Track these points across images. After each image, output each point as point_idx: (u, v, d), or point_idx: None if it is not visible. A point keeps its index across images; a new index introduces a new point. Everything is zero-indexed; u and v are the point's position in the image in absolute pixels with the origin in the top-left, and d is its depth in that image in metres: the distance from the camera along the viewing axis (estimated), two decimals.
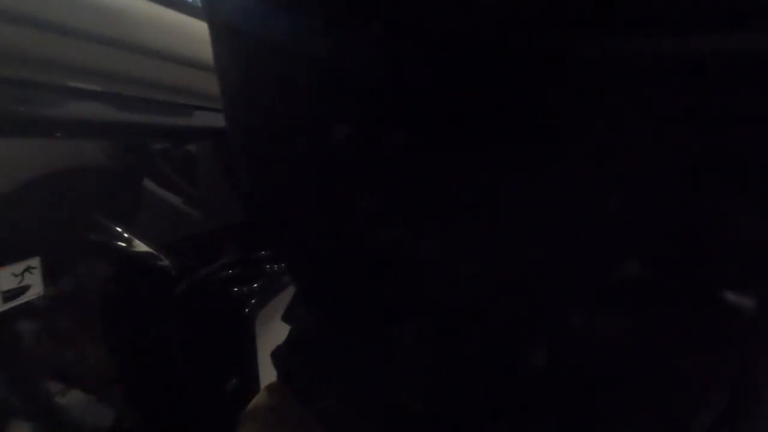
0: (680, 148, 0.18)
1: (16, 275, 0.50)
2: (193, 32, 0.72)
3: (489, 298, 0.25)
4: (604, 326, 0.23)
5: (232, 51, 0.29)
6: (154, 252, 0.62)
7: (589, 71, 0.17)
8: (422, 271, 0.26)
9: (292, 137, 0.26)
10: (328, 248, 0.29)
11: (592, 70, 0.17)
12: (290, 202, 0.29)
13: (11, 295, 0.50)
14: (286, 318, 0.49)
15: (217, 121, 0.81)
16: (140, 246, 0.61)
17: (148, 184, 0.71)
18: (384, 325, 0.31)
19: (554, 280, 0.23)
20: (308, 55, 0.23)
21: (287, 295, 0.77)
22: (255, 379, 0.68)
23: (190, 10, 0.73)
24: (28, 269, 0.51)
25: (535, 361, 0.25)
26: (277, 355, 0.44)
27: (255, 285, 0.70)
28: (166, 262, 0.62)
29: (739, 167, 0.18)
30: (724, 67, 0.16)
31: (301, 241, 0.31)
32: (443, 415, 0.31)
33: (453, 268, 0.25)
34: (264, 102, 0.27)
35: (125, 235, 0.61)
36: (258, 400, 0.42)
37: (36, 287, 0.52)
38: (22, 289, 0.50)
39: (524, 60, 0.18)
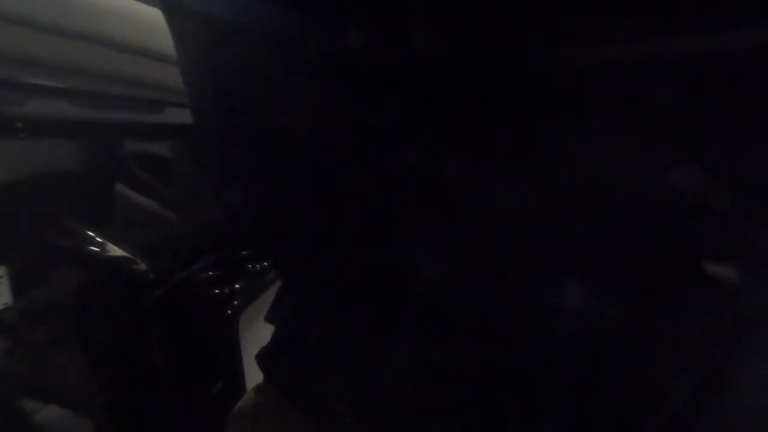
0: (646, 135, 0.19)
1: None
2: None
3: (482, 292, 0.25)
4: (592, 307, 0.23)
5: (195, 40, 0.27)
6: (130, 256, 0.60)
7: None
8: (412, 260, 0.25)
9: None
10: (319, 237, 0.28)
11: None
12: (283, 187, 0.28)
13: None
14: (269, 318, 0.48)
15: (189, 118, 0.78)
16: (115, 250, 0.59)
17: (121, 185, 0.69)
18: (372, 320, 0.31)
19: (544, 260, 0.23)
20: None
21: (270, 295, 0.75)
22: (240, 380, 0.66)
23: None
24: None
25: (524, 352, 0.26)
26: (263, 357, 0.43)
27: (237, 286, 0.68)
28: (143, 266, 0.60)
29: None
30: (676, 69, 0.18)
31: (290, 230, 0.30)
32: (431, 411, 0.31)
33: (447, 254, 0.25)
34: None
35: (98, 239, 0.58)
36: (245, 401, 0.41)
37: (4, 297, 0.49)
38: None
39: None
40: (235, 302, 0.66)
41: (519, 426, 0.29)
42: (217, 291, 0.66)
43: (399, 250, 0.25)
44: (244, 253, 0.73)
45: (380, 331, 0.30)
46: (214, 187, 0.32)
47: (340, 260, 0.29)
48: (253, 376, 0.69)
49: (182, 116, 0.74)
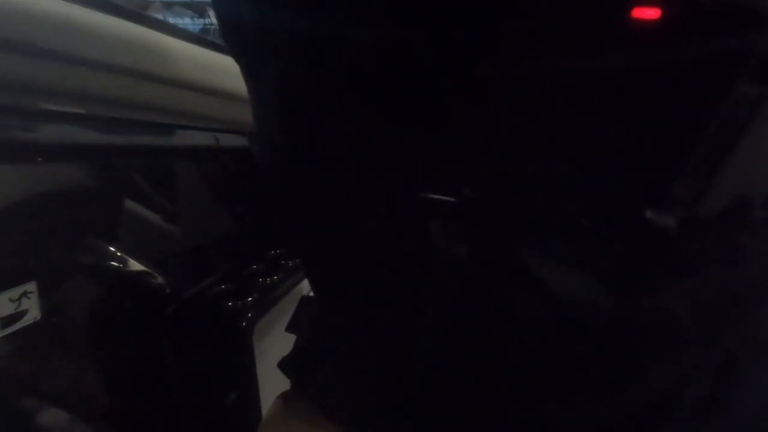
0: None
1: (13, 300, 0.49)
2: (175, 51, 0.73)
3: (485, 277, 0.28)
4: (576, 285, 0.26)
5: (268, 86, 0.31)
6: (149, 270, 0.62)
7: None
8: (431, 253, 0.29)
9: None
10: (355, 237, 0.32)
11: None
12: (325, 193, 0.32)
13: (9, 321, 0.49)
14: (290, 329, 0.50)
15: (202, 139, 0.81)
16: (134, 265, 0.61)
17: (136, 203, 0.71)
18: (395, 321, 0.33)
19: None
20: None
21: (282, 307, 0.77)
22: (255, 392, 0.68)
23: (170, 30, 0.74)
24: (25, 294, 0.50)
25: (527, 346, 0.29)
26: (287, 365, 0.45)
27: (249, 299, 0.70)
28: (161, 280, 0.62)
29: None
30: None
31: (328, 229, 0.33)
32: (458, 413, 0.34)
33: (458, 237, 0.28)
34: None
35: (118, 254, 0.61)
36: (273, 408, 0.43)
37: (33, 312, 0.51)
38: (20, 315, 0.50)
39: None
40: (249, 315, 0.68)
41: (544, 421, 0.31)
42: (230, 304, 0.68)
43: (420, 239, 0.29)
44: (256, 266, 0.76)
45: (405, 330, 0.33)
46: (271, 191, 0.36)
47: (370, 260, 0.32)
48: (267, 386, 0.71)
49: (194, 139, 0.77)
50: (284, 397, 0.43)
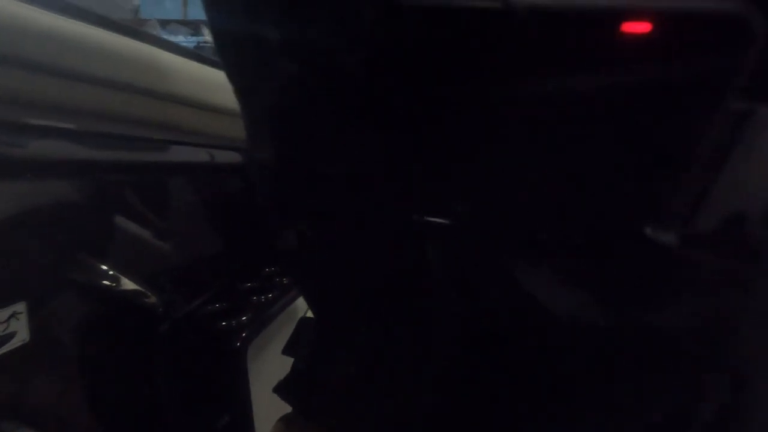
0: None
1: (1, 322, 0.48)
2: (170, 66, 0.72)
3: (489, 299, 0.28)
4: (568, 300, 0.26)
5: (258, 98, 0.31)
6: (141, 289, 0.60)
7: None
8: (427, 273, 0.29)
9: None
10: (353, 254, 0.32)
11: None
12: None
13: None
14: (287, 351, 0.49)
15: (195, 155, 0.81)
16: (126, 284, 0.60)
17: (128, 220, 0.70)
18: (394, 340, 0.33)
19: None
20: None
21: (277, 326, 0.76)
22: (249, 414, 0.67)
23: (165, 45, 0.73)
24: (14, 315, 0.49)
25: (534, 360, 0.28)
26: (284, 389, 0.44)
27: (244, 318, 0.69)
28: (153, 299, 0.61)
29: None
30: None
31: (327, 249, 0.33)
32: (457, 428, 0.33)
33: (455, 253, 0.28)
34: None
35: (110, 272, 0.59)
36: None
37: (22, 333, 0.49)
38: (8, 337, 0.48)
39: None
40: (243, 335, 0.67)
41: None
42: (224, 324, 0.67)
43: (418, 256, 0.29)
44: (249, 284, 0.74)
45: (404, 349, 0.32)
46: (273, 218, 0.36)
47: (365, 280, 0.32)
48: (260, 408, 0.69)
49: (187, 155, 0.77)
50: (285, 420, 0.42)
